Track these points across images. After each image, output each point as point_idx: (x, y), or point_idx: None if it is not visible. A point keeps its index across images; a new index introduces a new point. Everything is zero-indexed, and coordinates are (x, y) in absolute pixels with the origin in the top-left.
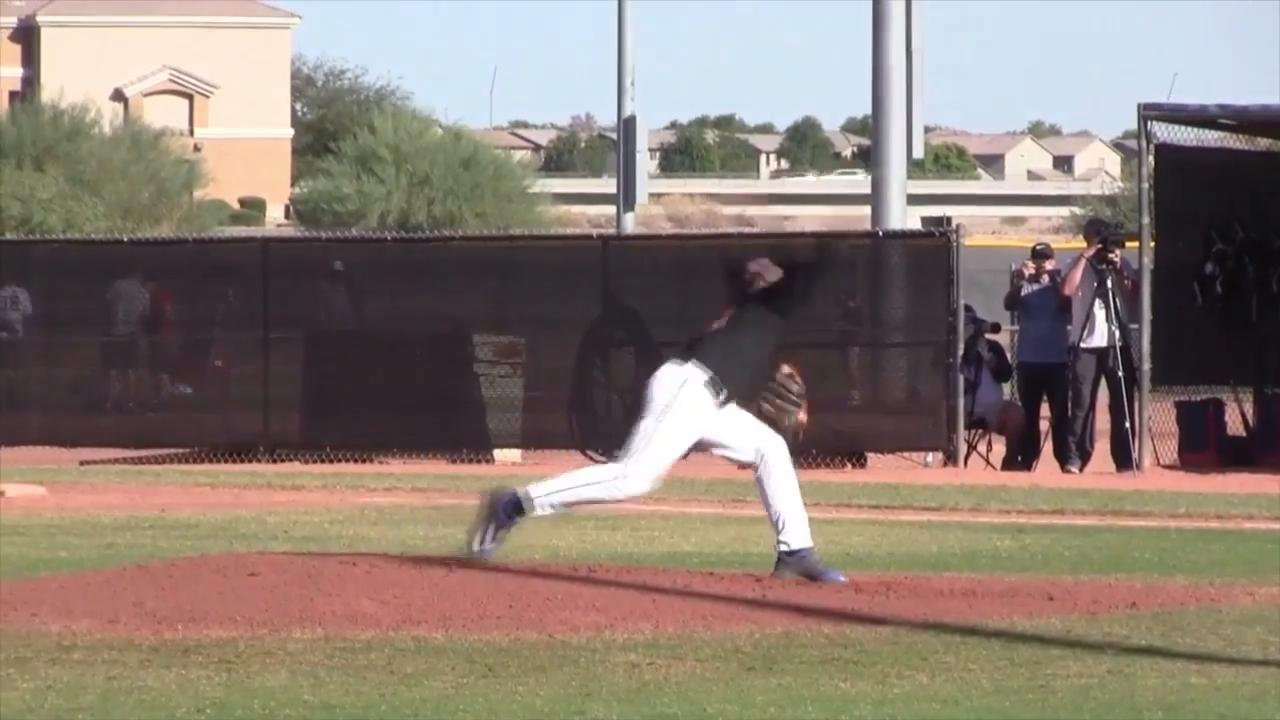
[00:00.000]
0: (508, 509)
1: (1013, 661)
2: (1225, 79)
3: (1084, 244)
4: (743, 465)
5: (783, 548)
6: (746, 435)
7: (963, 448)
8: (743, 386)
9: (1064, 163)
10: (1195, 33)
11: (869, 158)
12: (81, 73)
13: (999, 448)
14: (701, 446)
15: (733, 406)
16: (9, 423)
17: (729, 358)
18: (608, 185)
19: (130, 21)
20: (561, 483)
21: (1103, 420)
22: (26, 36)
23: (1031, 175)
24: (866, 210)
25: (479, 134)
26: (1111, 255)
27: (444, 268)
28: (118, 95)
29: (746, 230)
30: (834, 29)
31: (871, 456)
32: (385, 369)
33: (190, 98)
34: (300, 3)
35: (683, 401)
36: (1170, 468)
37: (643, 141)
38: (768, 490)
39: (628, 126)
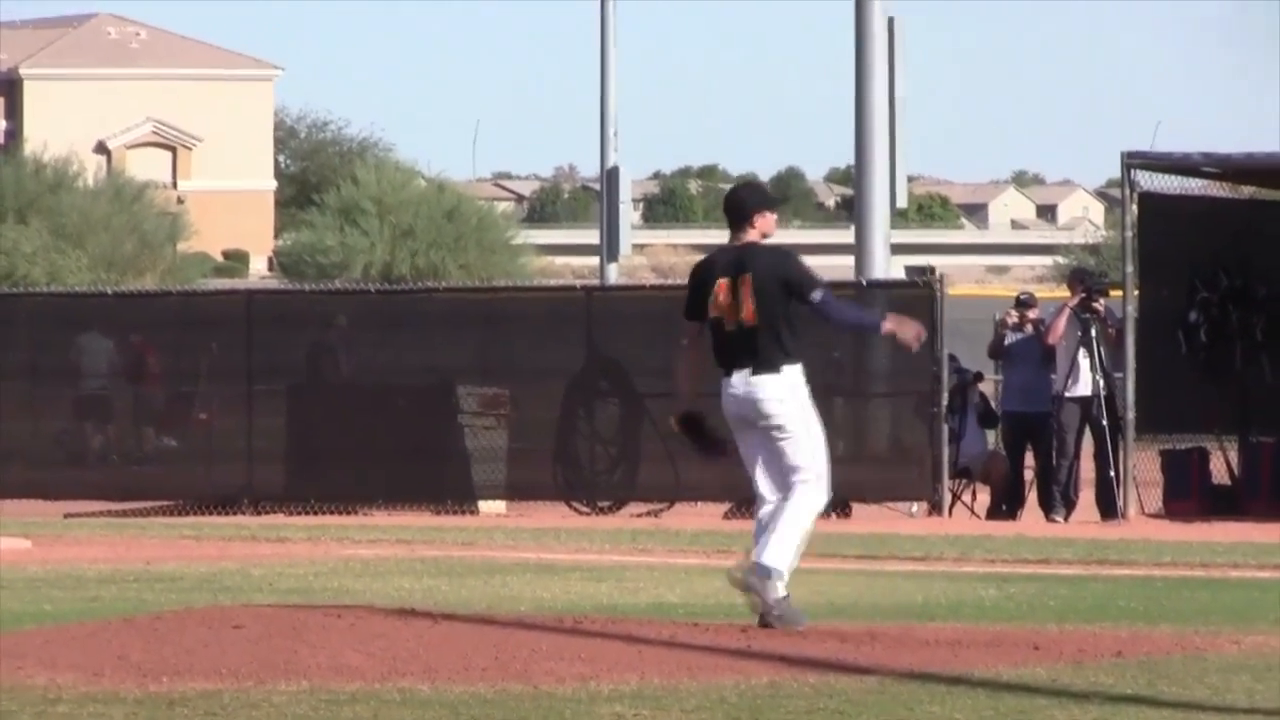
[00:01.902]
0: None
1: (998, 711)
2: (1208, 127)
3: (1068, 293)
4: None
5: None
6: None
7: (947, 497)
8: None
9: (1047, 211)
10: (1178, 81)
11: (852, 207)
12: (64, 125)
13: (983, 497)
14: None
15: None
16: None
17: (779, 338)
18: (591, 236)
19: (113, 74)
20: (783, 537)
21: (1087, 469)
22: (9, 89)
23: (1015, 224)
24: (850, 260)
25: (462, 185)
26: (1095, 304)
27: (428, 319)
28: (101, 148)
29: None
30: (817, 79)
31: (856, 506)
32: (369, 421)
33: (173, 150)
34: (283, 55)
35: (805, 399)
36: (1155, 516)
37: (626, 192)
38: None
39: (611, 177)
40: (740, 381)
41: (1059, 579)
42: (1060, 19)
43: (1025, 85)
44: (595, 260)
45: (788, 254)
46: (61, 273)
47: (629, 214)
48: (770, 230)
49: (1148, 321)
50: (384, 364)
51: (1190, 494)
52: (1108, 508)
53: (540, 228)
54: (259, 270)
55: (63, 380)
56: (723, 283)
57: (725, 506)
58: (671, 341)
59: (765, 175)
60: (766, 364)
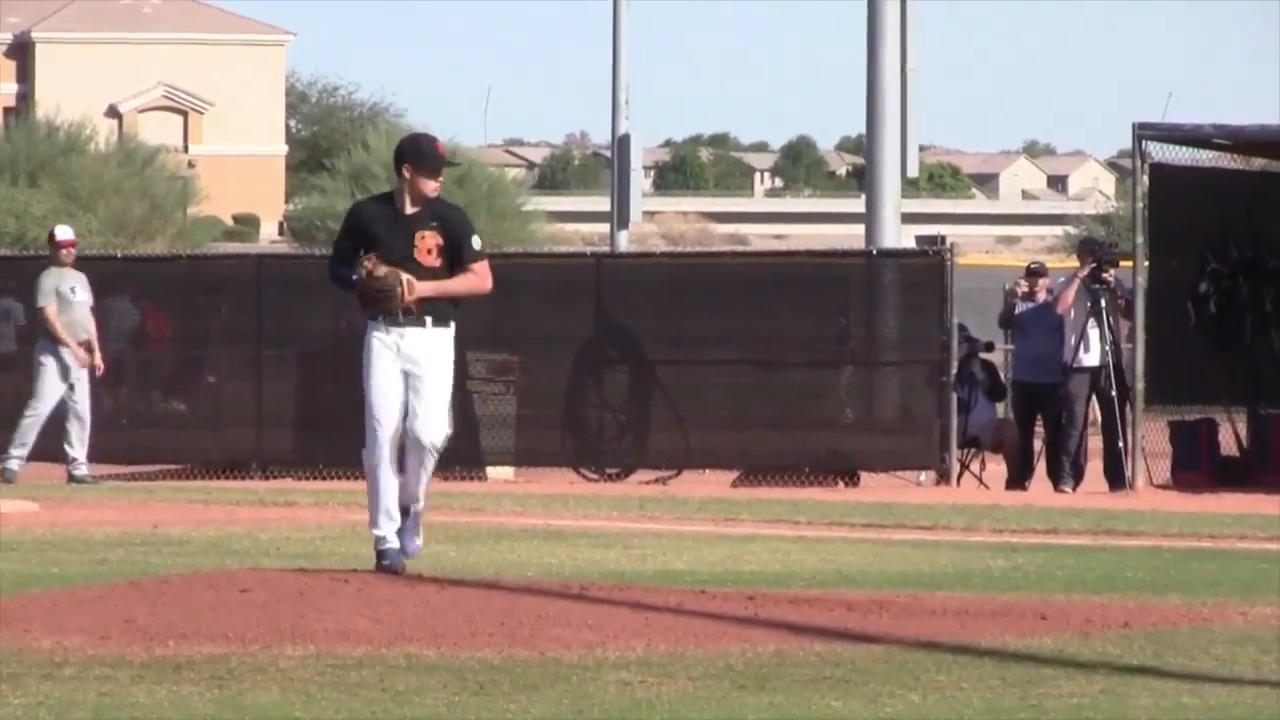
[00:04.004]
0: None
1: (1005, 681)
2: (1220, 99)
3: (1078, 263)
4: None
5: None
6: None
7: (956, 467)
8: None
9: (1058, 182)
10: (1190, 52)
11: (863, 176)
12: (76, 89)
13: (992, 467)
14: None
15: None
16: (2, 438)
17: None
18: (602, 203)
19: (125, 38)
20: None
21: (1095, 439)
22: (22, 52)
23: (1026, 194)
24: (861, 229)
25: (473, 151)
26: (1105, 274)
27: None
28: (112, 112)
29: (740, 249)
30: (829, 48)
31: (865, 475)
32: None
33: (185, 114)
34: (295, 20)
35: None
36: (1163, 487)
37: (637, 159)
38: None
39: (622, 144)
40: None
41: (1067, 549)
42: None
43: (1037, 55)
44: (606, 227)
45: None
46: None
47: (640, 181)
48: (421, 189)
49: (1158, 292)
50: None
51: (1199, 465)
52: (1116, 478)
53: (551, 194)
54: (269, 235)
55: None
56: None
57: (734, 474)
58: (681, 309)
59: (777, 143)
60: None
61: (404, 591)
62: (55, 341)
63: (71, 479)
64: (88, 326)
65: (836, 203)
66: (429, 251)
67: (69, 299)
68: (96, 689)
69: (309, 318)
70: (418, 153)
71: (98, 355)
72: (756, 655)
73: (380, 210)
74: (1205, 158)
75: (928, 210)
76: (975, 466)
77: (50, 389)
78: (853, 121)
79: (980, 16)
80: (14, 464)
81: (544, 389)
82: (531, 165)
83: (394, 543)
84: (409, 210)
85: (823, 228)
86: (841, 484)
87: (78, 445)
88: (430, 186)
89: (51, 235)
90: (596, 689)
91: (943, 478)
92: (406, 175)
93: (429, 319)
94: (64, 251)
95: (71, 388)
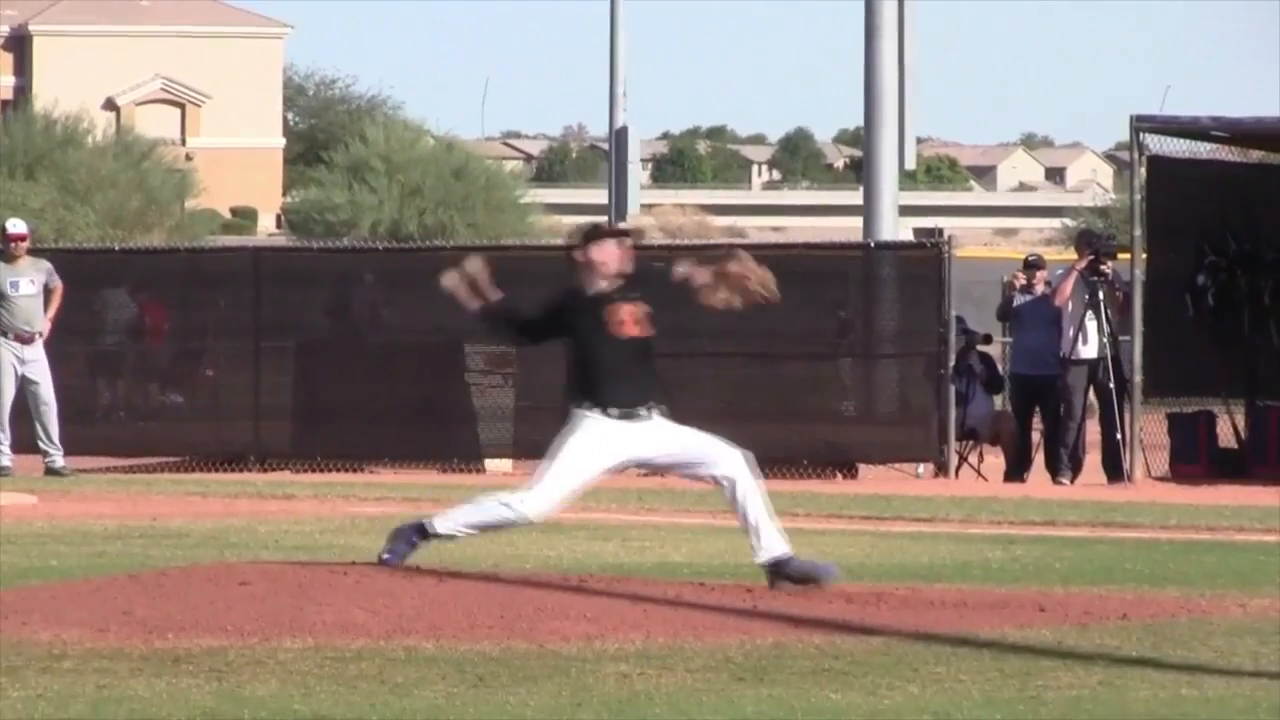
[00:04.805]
0: (413, 533)
1: (1004, 673)
2: (1218, 91)
3: (1076, 255)
4: (714, 481)
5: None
6: (700, 454)
7: (954, 459)
8: (600, 391)
9: (1056, 174)
10: (1188, 44)
11: (861, 169)
12: (74, 82)
13: (990, 459)
14: (655, 468)
15: (670, 425)
16: None
17: (571, 382)
18: (599, 196)
19: (122, 30)
20: (466, 509)
21: (1093, 432)
22: (18, 45)
23: (1023, 186)
24: (858, 221)
25: (471, 144)
26: (1103, 267)
27: (435, 277)
28: (110, 104)
29: (737, 241)
30: (826, 40)
31: (863, 467)
32: (376, 378)
33: (182, 107)
34: (292, 12)
35: (569, 435)
36: (1162, 479)
37: (635, 152)
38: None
39: (620, 137)
40: None
41: (1065, 541)
42: None
43: (1035, 47)
44: (603, 220)
45: None
46: (69, 229)
47: (637, 174)
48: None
49: (1155, 285)
50: (391, 322)
51: (1197, 457)
52: (1114, 470)
53: (548, 187)
54: (267, 227)
55: (69, 337)
56: None
57: None
58: (679, 301)
59: (774, 136)
60: None
61: (402, 584)
62: None
63: (49, 471)
64: (30, 320)
65: (834, 195)
66: (620, 323)
67: (6, 293)
68: (95, 681)
69: (306, 310)
70: (582, 235)
71: (43, 334)
72: (755, 647)
73: (573, 297)
74: (1203, 150)
75: (925, 202)
76: (973, 459)
77: (4, 382)
78: (850, 114)
79: (977, 8)
80: (4, 459)
81: (542, 381)
82: (529, 158)
83: (402, 548)
84: (593, 290)
85: (820, 220)
86: (840, 476)
87: (49, 438)
88: (604, 253)
89: (2, 228)
90: (595, 681)
91: (941, 470)
92: (581, 259)
93: (655, 414)
94: (13, 245)
95: (28, 379)
